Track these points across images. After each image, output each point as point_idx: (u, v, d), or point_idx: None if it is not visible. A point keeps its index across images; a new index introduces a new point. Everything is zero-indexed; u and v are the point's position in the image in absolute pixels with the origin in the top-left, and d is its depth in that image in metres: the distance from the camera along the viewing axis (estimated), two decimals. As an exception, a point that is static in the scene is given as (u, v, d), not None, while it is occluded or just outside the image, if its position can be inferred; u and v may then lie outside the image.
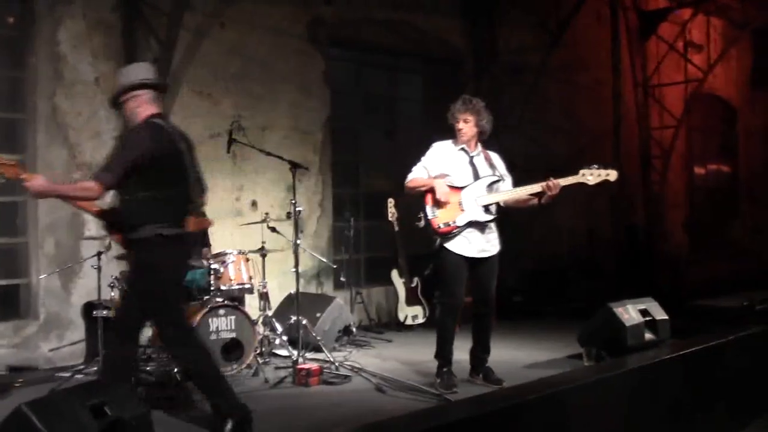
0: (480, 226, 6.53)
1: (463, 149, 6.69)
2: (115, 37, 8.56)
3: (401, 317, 9.63)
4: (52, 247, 8.15)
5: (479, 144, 6.75)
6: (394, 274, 9.72)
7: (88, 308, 7.68)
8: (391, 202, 9.43)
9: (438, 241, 6.55)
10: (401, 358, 8.00)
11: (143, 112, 5.22)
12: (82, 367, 7.31)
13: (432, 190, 6.54)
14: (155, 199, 5.07)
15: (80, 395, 4.41)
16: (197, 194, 5.35)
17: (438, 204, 6.52)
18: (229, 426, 5.15)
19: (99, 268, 7.20)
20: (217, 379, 5.35)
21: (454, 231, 6.48)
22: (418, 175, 6.69)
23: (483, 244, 6.57)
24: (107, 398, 4.42)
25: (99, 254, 7.23)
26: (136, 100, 5.19)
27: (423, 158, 6.75)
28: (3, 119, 8.39)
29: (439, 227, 6.50)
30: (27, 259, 8.24)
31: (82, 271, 8.13)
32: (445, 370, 6.68)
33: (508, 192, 6.63)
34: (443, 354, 6.72)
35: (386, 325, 9.99)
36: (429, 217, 6.54)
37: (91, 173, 5.05)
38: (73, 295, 8.20)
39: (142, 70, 5.38)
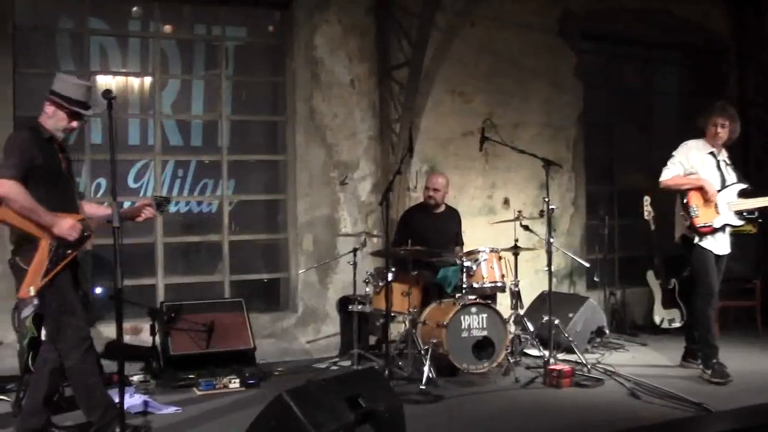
0: (725, 228, 6.94)
1: (711, 153, 7.04)
2: (368, 39, 8.80)
3: (657, 320, 9.16)
4: (310, 243, 8.51)
5: (723, 149, 7.11)
6: (650, 275, 9.28)
7: (344, 303, 7.92)
8: (647, 199, 8.99)
9: (695, 238, 6.89)
10: (656, 363, 7.64)
11: None
12: (337, 359, 7.56)
13: (699, 189, 6.86)
14: None
15: (336, 386, 4.54)
16: None
17: (699, 203, 6.86)
18: None
19: (355, 264, 7.41)
20: None
21: (710, 231, 6.87)
22: (675, 173, 6.98)
23: (723, 243, 6.97)
24: (362, 390, 4.52)
25: (355, 251, 7.45)
26: None
27: (676, 154, 7.06)
28: (265, 122, 8.87)
29: (701, 226, 6.86)
30: (287, 254, 8.65)
31: (338, 267, 8.42)
32: (714, 360, 6.83)
33: (760, 200, 6.95)
34: (709, 344, 6.92)
35: (641, 327, 9.55)
36: (692, 216, 6.85)
37: None
38: (329, 289, 8.53)
39: None
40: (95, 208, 5.52)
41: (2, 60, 7.40)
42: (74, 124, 5.22)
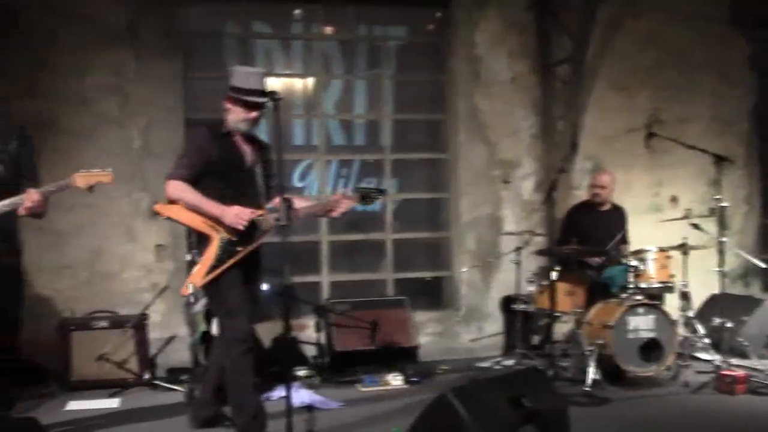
0: None
1: None
2: (528, 36, 8.72)
3: None
4: (473, 242, 8.51)
5: None
6: (835, 278, 8.78)
7: (507, 302, 7.86)
8: (827, 197, 8.53)
9: None
10: None
11: None
12: (500, 358, 7.51)
13: None
14: None
15: (499, 386, 4.50)
16: None
17: None
18: None
19: (518, 263, 7.35)
20: None
21: None
22: None
23: None
24: (525, 390, 4.46)
25: (518, 249, 7.39)
26: None
27: None
28: (426, 120, 8.91)
29: None
30: (450, 253, 8.68)
31: (501, 266, 8.37)
32: None
33: None
34: None
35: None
36: None
37: None
38: (492, 288, 8.50)
39: None
40: (303, 201, 5.38)
41: (174, 65, 7.79)
42: (253, 114, 5.19)
